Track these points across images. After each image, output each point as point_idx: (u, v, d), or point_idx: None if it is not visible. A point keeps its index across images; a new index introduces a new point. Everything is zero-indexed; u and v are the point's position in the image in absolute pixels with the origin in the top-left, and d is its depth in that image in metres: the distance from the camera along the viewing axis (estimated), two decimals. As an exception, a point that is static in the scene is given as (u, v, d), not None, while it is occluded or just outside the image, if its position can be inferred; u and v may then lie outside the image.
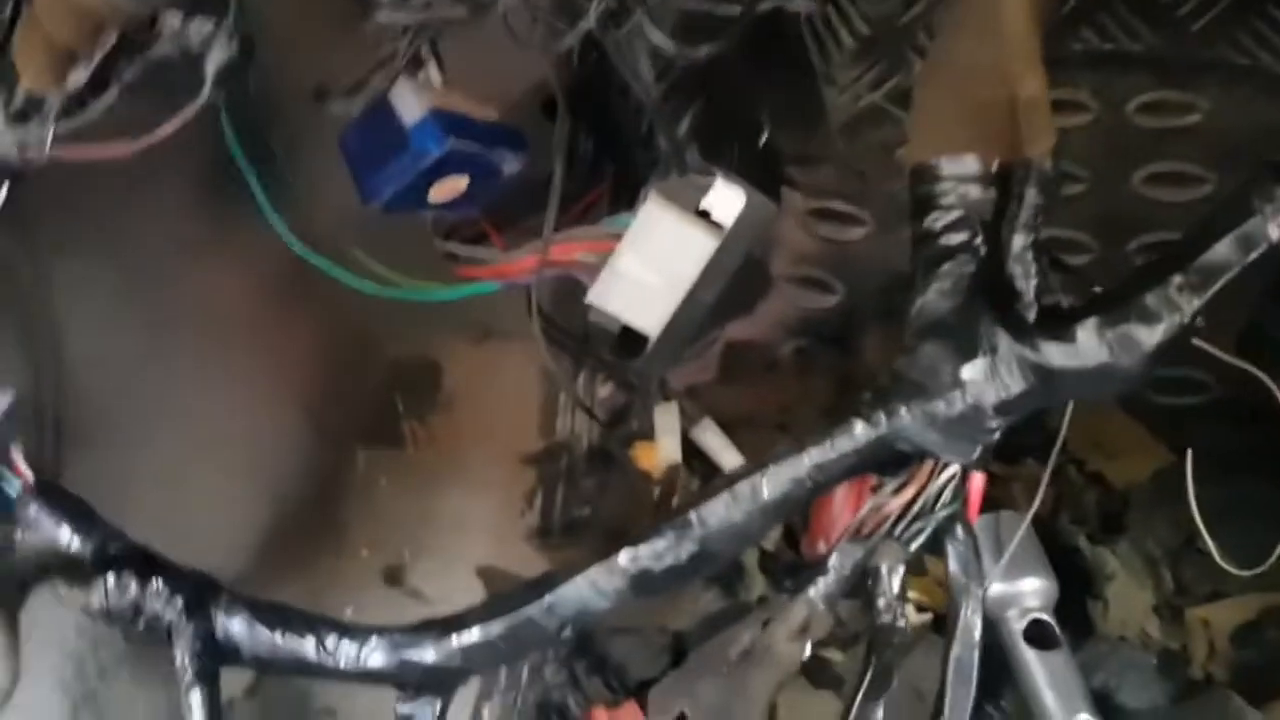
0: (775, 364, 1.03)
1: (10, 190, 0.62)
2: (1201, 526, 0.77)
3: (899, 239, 0.93)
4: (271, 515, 0.91)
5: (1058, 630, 0.84)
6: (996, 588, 0.82)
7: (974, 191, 0.59)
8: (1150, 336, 0.55)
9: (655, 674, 0.89)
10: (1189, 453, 0.77)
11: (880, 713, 0.56)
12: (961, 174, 0.59)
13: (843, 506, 0.91)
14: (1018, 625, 0.84)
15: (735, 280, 0.80)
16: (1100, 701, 0.83)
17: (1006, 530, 0.83)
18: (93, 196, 0.78)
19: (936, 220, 0.59)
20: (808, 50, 0.87)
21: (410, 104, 0.72)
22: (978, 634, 0.57)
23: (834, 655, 0.90)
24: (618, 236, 0.73)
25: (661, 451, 0.96)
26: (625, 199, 0.79)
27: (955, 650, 0.56)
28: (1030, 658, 0.83)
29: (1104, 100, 0.95)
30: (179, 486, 0.86)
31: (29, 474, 0.62)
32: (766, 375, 1.02)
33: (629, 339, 0.77)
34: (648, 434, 0.98)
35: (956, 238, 0.59)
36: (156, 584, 0.60)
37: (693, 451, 0.97)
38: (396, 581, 0.92)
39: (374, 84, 0.70)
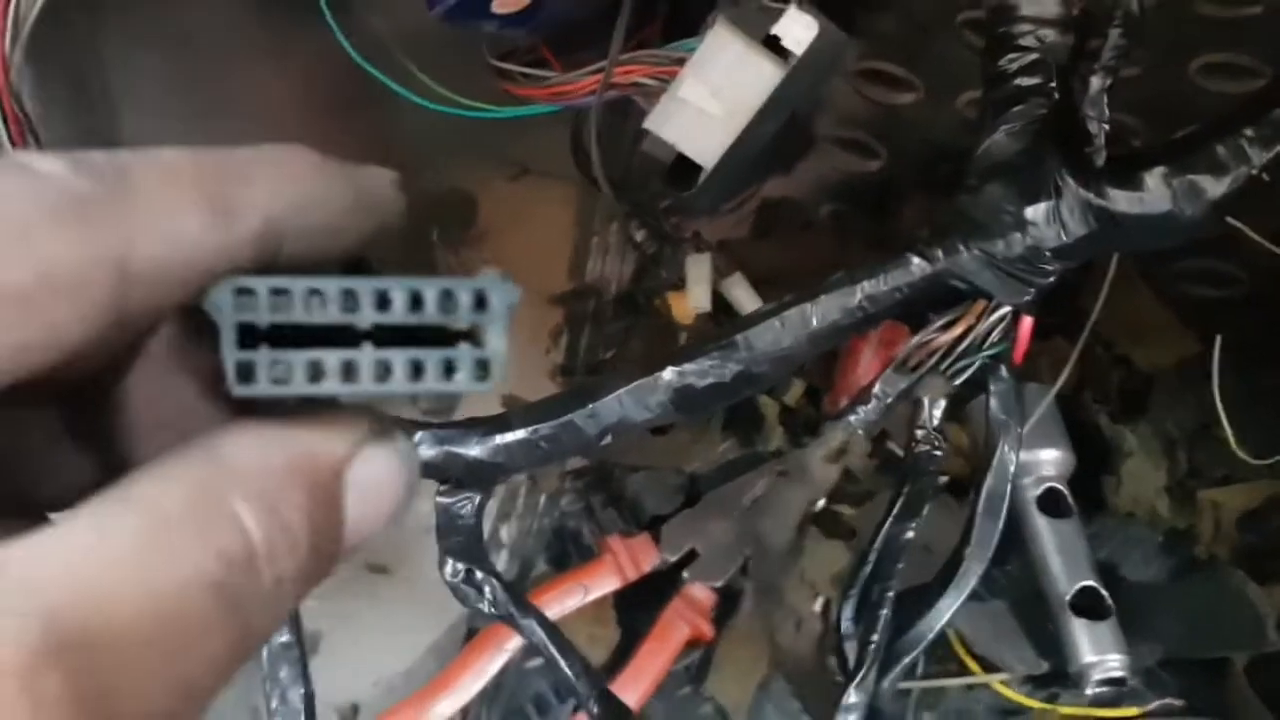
0: (810, 225, 1.02)
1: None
2: (1222, 412, 0.78)
3: (948, 109, 0.95)
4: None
5: (1071, 500, 0.85)
6: (1015, 455, 0.83)
7: (1052, 34, 0.59)
8: (1216, 187, 0.55)
9: (669, 511, 0.90)
10: (1218, 339, 0.78)
11: (911, 534, 0.57)
12: (1041, 15, 0.59)
13: (868, 367, 0.93)
14: (1033, 493, 0.85)
15: (777, 135, 0.80)
16: (1105, 573, 0.85)
17: (1031, 401, 0.84)
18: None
19: (1012, 61, 0.59)
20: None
21: (476, -96, 0.71)
22: (1012, 469, 0.58)
23: (846, 510, 0.91)
24: (681, 62, 0.73)
25: (692, 300, 0.96)
26: (678, 38, 0.79)
27: (989, 483, 0.57)
28: (1042, 524, 0.84)
29: (1169, -15, 0.94)
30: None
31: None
32: (801, 235, 1.02)
33: (682, 169, 0.77)
34: (677, 284, 0.99)
35: (1030, 80, 0.59)
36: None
37: (720, 306, 0.98)
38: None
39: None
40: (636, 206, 0.94)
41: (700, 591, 0.87)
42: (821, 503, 0.76)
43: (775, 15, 0.70)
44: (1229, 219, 0.61)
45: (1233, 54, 0.95)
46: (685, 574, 0.87)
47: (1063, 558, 0.83)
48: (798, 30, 0.69)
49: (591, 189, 0.91)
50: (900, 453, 0.81)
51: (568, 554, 0.92)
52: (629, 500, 0.92)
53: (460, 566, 0.60)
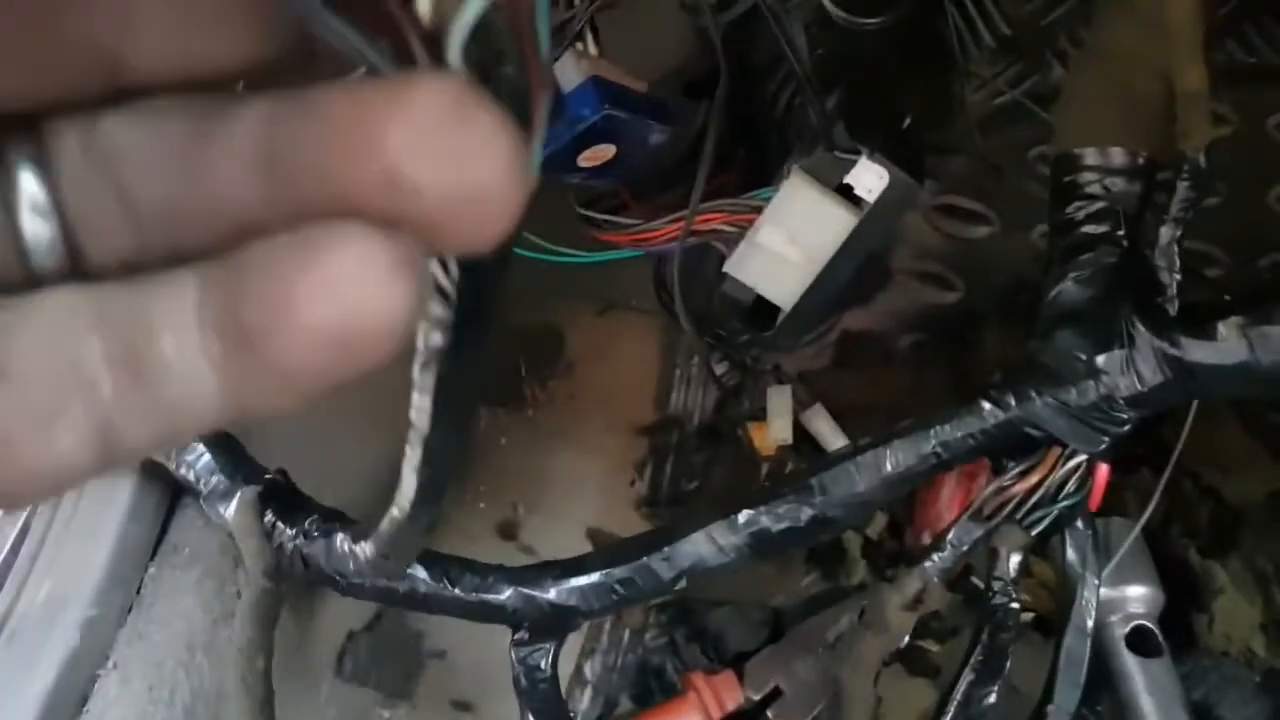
0: (890, 356, 1.03)
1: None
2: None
3: (1024, 240, 0.96)
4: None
5: (1161, 638, 0.83)
6: (1102, 592, 0.82)
7: (1119, 183, 0.60)
8: (1294, 338, 0.55)
9: (752, 647, 0.90)
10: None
11: (993, 698, 0.57)
12: (1108, 165, 0.60)
13: (949, 501, 0.93)
14: (1121, 631, 0.83)
15: (855, 274, 0.81)
16: (1199, 716, 0.82)
17: (1116, 536, 0.83)
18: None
19: (1079, 209, 0.60)
20: (948, 45, 0.88)
21: (569, 71, 0.74)
22: (1090, 623, 0.57)
23: (931, 646, 0.90)
24: (758, 209, 0.75)
25: (773, 432, 0.97)
26: (754, 184, 0.81)
27: (1068, 640, 0.57)
28: (1131, 664, 0.82)
29: (1245, 114, 0.95)
30: (324, 428, 0.90)
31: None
32: (881, 366, 1.03)
33: (761, 311, 0.79)
34: (758, 414, 1.00)
35: (1098, 228, 0.60)
36: (290, 513, 0.63)
37: (801, 436, 0.99)
38: (510, 535, 0.95)
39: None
40: (718, 340, 0.96)
41: (784, 730, 0.86)
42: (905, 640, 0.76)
43: (847, 165, 0.72)
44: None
45: (1312, 181, 0.95)
46: (769, 713, 0.87)
47: (1154, 699, 0.81)
48: (869, 179, 0.72)
49: (675, 323, 0.93)
50: (982, 585, 0.80)
51: (651, 690, 0.92)
52: (713, 636, 0.92)
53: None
